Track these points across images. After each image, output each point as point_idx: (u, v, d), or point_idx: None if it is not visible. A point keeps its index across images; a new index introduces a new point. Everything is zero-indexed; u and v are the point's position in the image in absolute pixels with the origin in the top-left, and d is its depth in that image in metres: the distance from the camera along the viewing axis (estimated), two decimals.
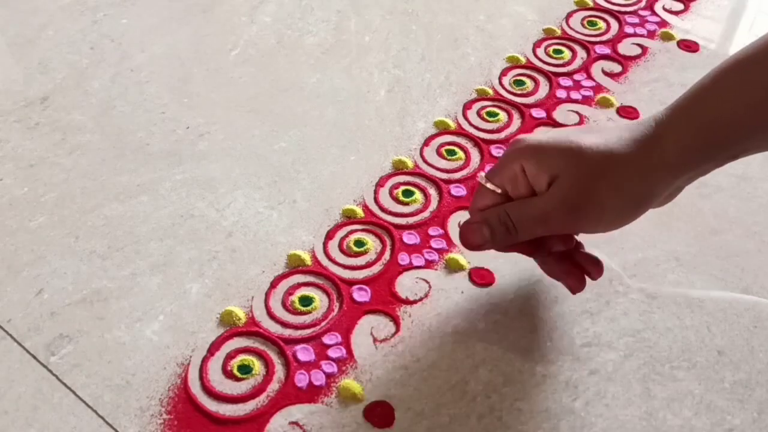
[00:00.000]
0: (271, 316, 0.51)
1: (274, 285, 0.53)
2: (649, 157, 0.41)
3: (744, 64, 0.40)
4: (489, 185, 0.45)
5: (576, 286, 0.47)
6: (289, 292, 0.53)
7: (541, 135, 0.43)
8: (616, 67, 0.70)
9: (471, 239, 0.47)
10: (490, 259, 0.54)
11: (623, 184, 0.41)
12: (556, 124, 0.64)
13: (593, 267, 0.48)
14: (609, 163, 0.41)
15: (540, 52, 0.72)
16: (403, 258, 0.54)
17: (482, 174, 0.46)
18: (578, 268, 0.48)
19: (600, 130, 0.43)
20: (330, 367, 0.48)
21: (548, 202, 0.42)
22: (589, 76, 0.69)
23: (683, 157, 0.42)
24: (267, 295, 0.52)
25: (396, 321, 0.51)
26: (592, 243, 0.55)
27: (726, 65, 0.41)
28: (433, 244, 0.55)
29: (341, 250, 0.55)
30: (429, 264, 0.54)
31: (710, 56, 0.71)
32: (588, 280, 0.48)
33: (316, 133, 0.64)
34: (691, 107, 0.42)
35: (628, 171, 0.41)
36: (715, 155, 0.42)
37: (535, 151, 0.42)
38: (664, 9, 0.77)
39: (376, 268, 0.54)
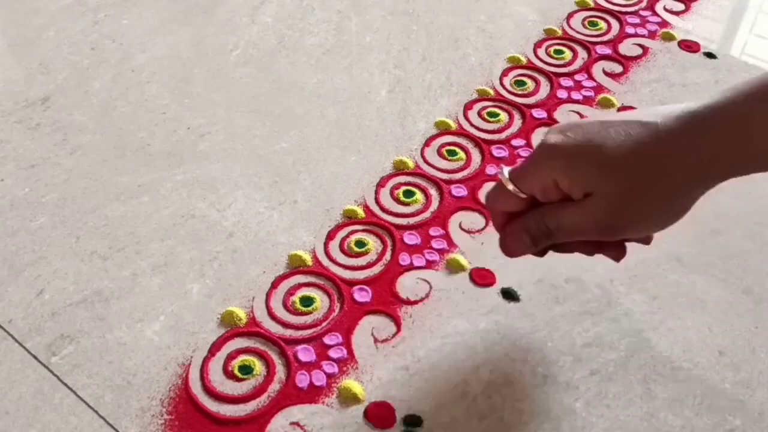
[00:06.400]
0: (272, 316, 0.51)
1: (275, 285, 0.53)
2: (685, 169, 0.40)
3: None
4: (512, 188, 0.44)
5: (618, 255, 0.46)
6: (290, 292, 0.53)
7: (569, 135, 0.42)
8: (617, 68, 0.70)
9: (514, 249, 0.46)
10: (490, 259, 0.54)
11: (660, 203, 0.41)
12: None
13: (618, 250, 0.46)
14: (643, 178, 0.40)
15: (541, 52, 0.72)
16: (404, 258, 0.54)
17: (504, 171, 0.44)
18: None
19: (626, 123, 0.41)
20: (331, 368, 0.48)
21: (583, 217, 0.42)
22: (590, 77, 0.69)
23: (717, 169, 0.40)
24: (268, 295, 0.52)
25: (397, 321, 0.51)
26: None
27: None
28: (434, 244, 0.55)
29: (342, 251, 0.55)
30: (430, 264, 0.54)
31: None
32: (602, 262, 0.45)
33: (316, 133, 0.64)
34: (731, 118, 0.40)
35: (664, 186, 0.40)
36: (740, 171, 0.41)
37: (567, 164, 0.41)
38: (665, 9, 0.77)
39: (377, 269, 0.54)
